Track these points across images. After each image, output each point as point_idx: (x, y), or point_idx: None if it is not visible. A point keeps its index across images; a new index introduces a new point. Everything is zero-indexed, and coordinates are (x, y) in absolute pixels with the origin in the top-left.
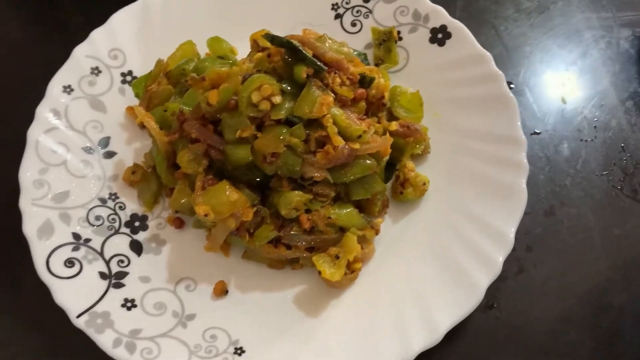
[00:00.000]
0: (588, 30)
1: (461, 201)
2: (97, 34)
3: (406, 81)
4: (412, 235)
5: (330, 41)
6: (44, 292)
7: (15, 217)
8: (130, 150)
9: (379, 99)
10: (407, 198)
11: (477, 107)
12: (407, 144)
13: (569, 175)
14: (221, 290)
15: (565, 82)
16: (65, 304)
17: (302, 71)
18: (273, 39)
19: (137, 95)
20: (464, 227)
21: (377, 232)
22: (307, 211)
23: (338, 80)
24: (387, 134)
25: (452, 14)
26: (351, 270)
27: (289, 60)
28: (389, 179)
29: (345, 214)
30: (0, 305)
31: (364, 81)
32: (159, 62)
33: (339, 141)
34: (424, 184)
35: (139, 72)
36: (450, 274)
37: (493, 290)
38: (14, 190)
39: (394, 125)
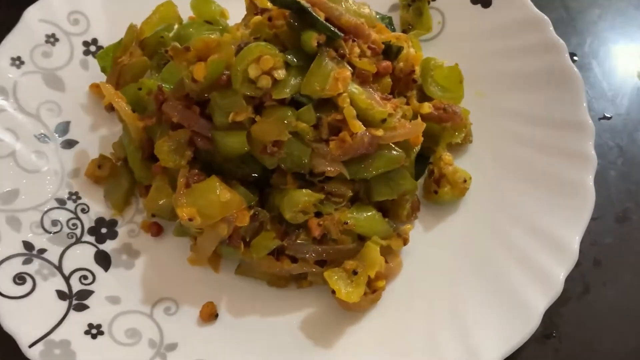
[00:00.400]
0: None
1: (511, 203)
2: None
3: (441, 52)
4: (449, 245)
5: (348, 2)
6: None
7: None
8: (95, 139)
9: (408, 74)
10: (443, 199)
11: (532, 84)
12: (443, 131)
13: None
14: (209, 314)
15: None
16: (15, 330)
17: (312, 39)
18: None
19: (103, 70)
20: (515, 236)
21: (405, 242)
22: (318, 215)
23: (357, 50)
24: (419, 118)
25: None
26: (372, 290)
27: (296, 25)
28: (420, 175)
29: (366, 218)
30: None
31: (390, 51)
32: (131, 28)
33: (358, 127)
34: (465, 181)
35: (105, 41)
36: (497, 295)
37: (552, 315)
38: None
39: (427, 108)
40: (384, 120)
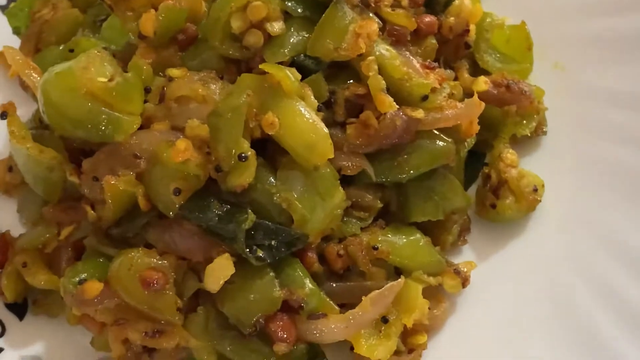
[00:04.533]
0: None
1: (599, 221)
2: None
3: (502, 5)
4: (512, 281)
5: None
6: None
7: None
8: (4, 129)
9: (460, 36)
10: (505, 215)
11: (628, 54)
12: (505, 118)
13: None
14: None
15: None
16: None
17: None
18: None
19: (16, 31)
20: (604, 267)
21: (465, 284)
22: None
23: None
24: (475, 97)
25: None
26: (409, 349)
27: None
28: (472, 181)
29: (406, 244)
30: None
31: (435, 1)
32: None
33: (388, 104)
34: (535, 190)
35: None
36: (583, 351)
37: None
38: None
39: (484, 84)
40: (425, 97)
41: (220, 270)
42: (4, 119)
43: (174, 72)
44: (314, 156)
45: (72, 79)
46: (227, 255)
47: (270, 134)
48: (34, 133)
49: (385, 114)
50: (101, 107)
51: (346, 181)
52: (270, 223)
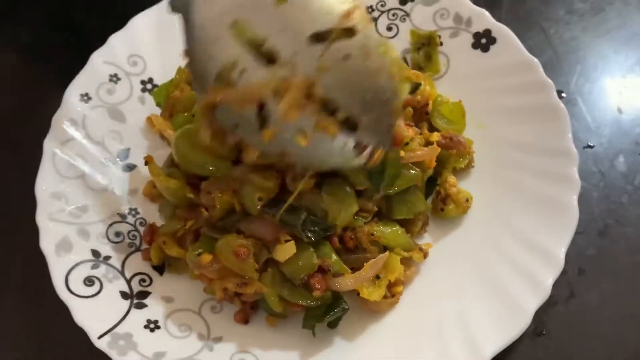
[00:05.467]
0: None
1: (507, 218)
2: (115, 39)
3: (447, 89)
4: (454, 255)
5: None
6: (63, 311)
7: (32, 232)
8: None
9: (423, 107)
10: (449, 215)
11: (525, 117)
12: (449, 157)
13: (626, 192)
14: (242, 319)
15: (622, 91)
16: (86, 324)
17: None
18: None
19: (158, 104)
20: (510, 247)
21: (425, 256)
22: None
23: None
24: (435, 144)
25: (497, 16)
26: (392, 294)
27: None
28: (429, 194)
29: (391, 232)
30: (16, 325)
31: (411, 87)
32: (180, 70)
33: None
34: (467, 200)
35: (159, 80)
36: (495, 297)
37: (542, 315)
38: (31, 203)
39: (436, 136)
40: (407, 144)
41: (288, 250)
42: (146, 165)
43: None
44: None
45: (192, 138)
46: (292, 242)
47: None
48: (168, 170)
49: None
50: (208, 157)
51: (357, 194)
52: (314, 217)
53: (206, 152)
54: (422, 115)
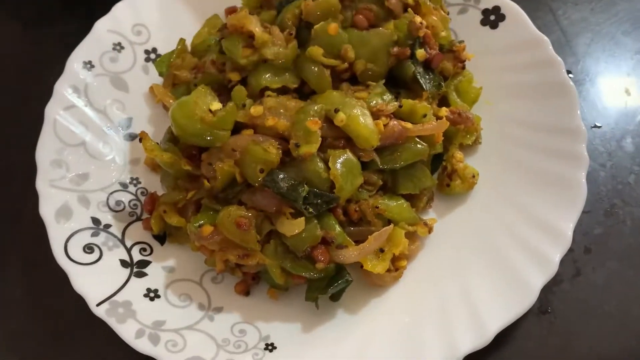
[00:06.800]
0: None
1: (514, 195)
2: (120, 8)
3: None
4: (459, 231)
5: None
6: (62, 278)
7: (32, 199)
8: (153, 132)
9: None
10: (455, 191)
11: (533, 95)
12: (456, 133)
13: (633, 172)
14: (242, 290)
15: (629, 72)
16: (85, 291)
17: None
18: None
19: (160, 74)
20: (517, 223)
21: (430, 231)
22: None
23: None
24: (444, 119)
25: None
26: (396, 268)
27: None
28: (435, 170)
29: (396, 206)
30: (16, 292)
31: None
32: (181, 41)
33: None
34: (474, 176)
35: (163, 50)
36: (501, 273)
37: (547, 294)
38: (31, 170)
39: (445, 111)
40: (424, 115)
41: (297, 226)
42: (140, 142)
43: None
44: (369, 141)
45: (188, 109)
46: (302, 218)
47: (339, 126)
48: (166, 144)
49: (388, 123)
50: (205, 127)
51: (362, 166)
52: (317, 190)
53: (204, 122)
54: (458, 60)
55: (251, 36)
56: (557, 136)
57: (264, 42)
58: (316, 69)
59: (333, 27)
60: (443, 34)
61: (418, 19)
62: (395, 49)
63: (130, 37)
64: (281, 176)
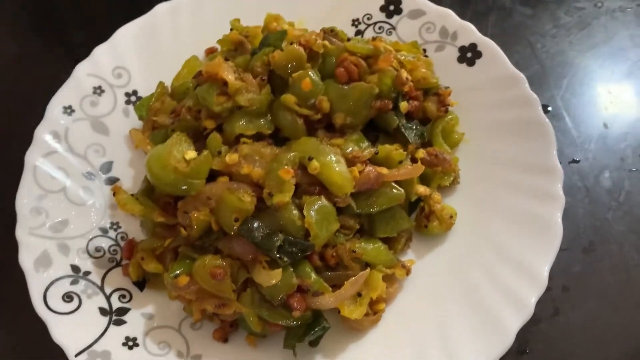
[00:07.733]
0: (633, 49)
1: (491, 236)
2: (100, 51)
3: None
4: (438, 272)
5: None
6: (42, 328)
7: (12, 247)
8: (134, 176)
9: (446, 96)
10: (433, 232)
11: (510, 133)
12: (434, 174)
13: (611, 208)
14: (220, 337)
15: (607, 106)
16: (63, 341)
17: None
18: None
19: (140, 118)
20: (494, 265)
21: (408, 273)
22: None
23: None
24: (419, 162)
25: (484, 30)
26: (374, 312)
27: None
28: (413, 210)
29: (373, 249)
30: None
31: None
32: (160, 84)
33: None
34: (451, 217)
35: (144, 92)
36: (477, 315)
37: (526, 334)
38: (11, 218)
39: (421, 153)
40: (400, 162)
41: (274, 277)
42: (114, 196)
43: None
44: (342, 189)
45: (162, 159)
46: (279, 270)
47: (313, 174)
48: (141, 193)
49: (363, 169)
50: (180, 177)
51: (338, 211)
52: (292, 238)
53: (178, 172)
54: (442, 104)
55: (225, 83)
56: (533, 175)
57: (237, 89)
58: (290, 117)
59: (306, 82)
60: (434, 80)
61: (404, 73)
62: (378, 103)
63: (110, 80)
64: (256, 225)
